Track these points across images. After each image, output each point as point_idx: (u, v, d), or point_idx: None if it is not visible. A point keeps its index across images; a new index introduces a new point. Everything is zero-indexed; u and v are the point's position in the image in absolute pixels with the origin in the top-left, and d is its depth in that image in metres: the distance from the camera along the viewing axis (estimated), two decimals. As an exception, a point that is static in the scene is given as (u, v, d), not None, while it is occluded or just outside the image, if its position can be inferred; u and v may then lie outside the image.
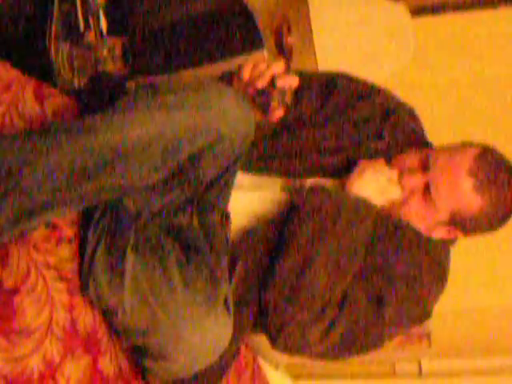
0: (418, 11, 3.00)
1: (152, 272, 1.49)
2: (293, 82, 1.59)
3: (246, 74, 1.60)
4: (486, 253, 3.33)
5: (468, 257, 3.32)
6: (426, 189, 1.70)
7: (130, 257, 1.49)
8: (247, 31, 2.24)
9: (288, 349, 1.73)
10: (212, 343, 1.51)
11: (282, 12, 2.74)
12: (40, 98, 1.69)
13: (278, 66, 1.59)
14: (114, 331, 1.57)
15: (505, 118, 3.14)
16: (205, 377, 1.66)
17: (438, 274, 1.78)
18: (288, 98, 1.58)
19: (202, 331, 1.48)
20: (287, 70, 1.63)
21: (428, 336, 3.45)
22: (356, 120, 1.81)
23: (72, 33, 2.11)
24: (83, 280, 1.52)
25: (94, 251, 1.52)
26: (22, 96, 1.65)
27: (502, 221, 1.74)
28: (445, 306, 3.38)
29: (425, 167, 1.70)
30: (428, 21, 3.07)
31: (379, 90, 1.88)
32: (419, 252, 1.75)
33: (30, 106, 1.65)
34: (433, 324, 3.45)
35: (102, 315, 1.55)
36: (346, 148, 1.79)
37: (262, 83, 1.57)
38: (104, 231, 1.54)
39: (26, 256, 1.42)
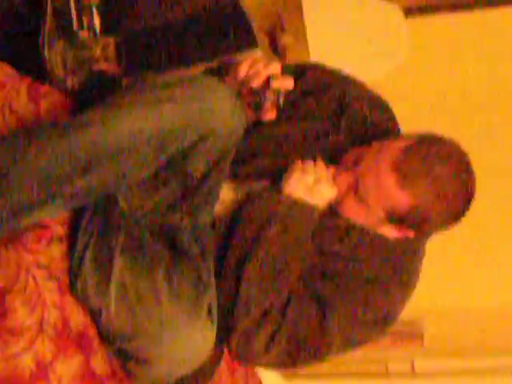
0: (411, 11, 3.01)
1: (138, 278, 1.48)
2: (288, 83, 1.59)
3: (242, 71, 1.59)
4: (479, 252, 3.34)
5: (461, 256, 3.33)
6: (355, 184, 1.63)
7: (118, 260, 1.49)
8: (241, 31, 2.23)
9: (240, 358, 1.70)
10: (194, 350, 1.51)
11: (276, 12, 2.74)
12: (34, 97, 1.69)
13: (275, 67, 1.58)
14: (100, 333, 1.57)
15: (500, 117, 3.14)
16: (187, 383, 1.66)
17: (399, 277, 1.70)
18: (282, 100, 1.57)
19: (185, 338, 1.48)
20: (283, 71, 1.61)
21: (421, 335, 3.46)
22: (313, 112, 1.76)
23: (65, 31, 2.10)
24: (71, 280, 1.52)
25: (84, 251, 1.52)
26: (16, 94, 1.65)
27: (451, 214, 1.62)
28: (438, 305, 3.40)
29: (355, 163, 1.64)
30: (422, 21, 3.07)
31: (346, 82, 1.82)
32: (374, 255, 1.69)
33: (24, 104, 1.65)
34: (426, 323, 3.46)
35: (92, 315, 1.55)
36: (303, 145, 1.73)
37: (257, 83, 1.57)
38: (94, 231, 1.53)
39: (17, 256, 1.41)
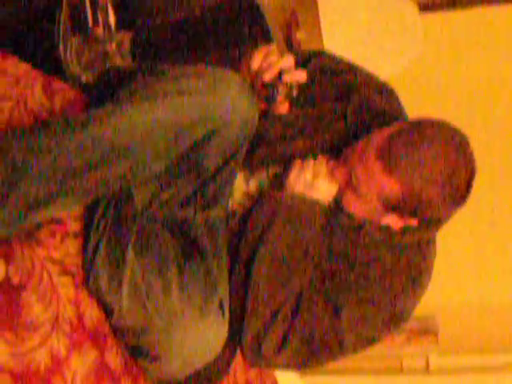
0: (426, 7, 3.00)
1: (150, 274, 1.49)
2: (300, 77, 1.58)
3: (255, 64, 1.57)
4: (495, 248, 3.32)
5: (476, 252, 3.32)
6: (349, 177, 1.61)
7: (131, 256, 1.49)
8: (256, 26, 2.23)
9: (252, 360, 1.70)
10: (205, 346, 1.51)
11: (291, 7, 2.74)
12: (49, 93, 1.69)
13: (288, 60, 1.57)
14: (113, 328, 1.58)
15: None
16: (199, 380, 1.66)
17: (410, 275, 1.69)
18: (294, 93, 1.57)
19: (195, 334, 1.48)
20: (296, 64, 1.60)
21: (436, 332, 3.45)
22: (320, 98, 1.74)
23: (81, 28, 2.11)
24: (86, 275, 1.52)
25: (97, 246, 1.52)
26: (30, 91, 1.65)
27: (448, 195, 1.56)
28: (452, 302, 3.39)
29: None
30: (437, 17, 3.06)
31: (352, 68, 1.80)
32: (384, 254, 1.68)
33: (39, 100, 1.65)
34: (441, 320, 3.45)
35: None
36: (310, 132, 1.71)
37: (269, 76, 1.55)
38: (107, 227, 1.54)
39: (31, 251, 1.42)
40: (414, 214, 1.62)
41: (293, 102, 1.60)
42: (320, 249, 1.67)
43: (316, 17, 2.65)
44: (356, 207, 1.65)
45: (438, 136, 1.55)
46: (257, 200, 1.67)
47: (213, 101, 1.40)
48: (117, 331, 1.56)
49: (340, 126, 1.72)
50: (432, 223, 1.69)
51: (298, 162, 1.67)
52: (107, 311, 1.53)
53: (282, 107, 1.59)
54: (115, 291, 1.48)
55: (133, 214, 1.54)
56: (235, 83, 1.44)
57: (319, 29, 2.64)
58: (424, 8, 2.94)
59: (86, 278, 1.52)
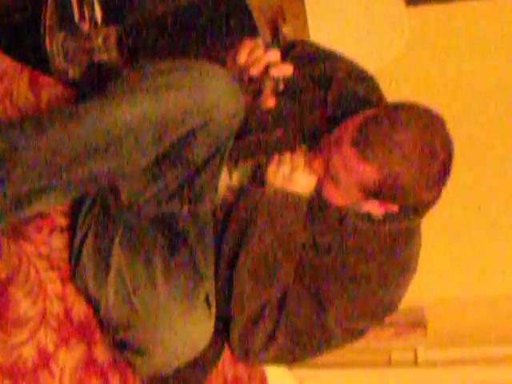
0: (413, 0, 3.00)
1: (136, 268, 1.49)
2: (287, 71, 1.58)
3: (241, 58, 1.56)
4: (482, 242, 3.34)
5: (464, 245, 3.33)
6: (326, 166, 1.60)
7: (117, 251, 1.50)
8: (242, 21, 2.23)
9: (240, 356, 1.69)
10: (191, 340, 1.51)
11: (278, 2, 2.74)
12: (35, 88, 1.69)
13: (274, 55, 1.56)
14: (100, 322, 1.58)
15: (499, 108, 3.14)
16: (186, 374, 1.66)
17: (396, 264, 1.68)
18: (281, 87, 1.57)
19: (181, 328, 1.49)
20: (282, 58, 1.60)
21: (424, 325, 3.46)
22: (301, 86, 1.73)
23: (67, 22, 2.10)
24: (72, 269, 1.52)
25: (83, 241, 1.52)
26: (16, 86, 1.65)
27: (426, 180, 1.54)
28: (441, 295, 3.40)
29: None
30: (423, 10, 3.06)
31: (333, 56, 1.80)
32: (369, 245, 1.67)
33: (25, 95, 1.65)
34: (429, 313, 3.47)
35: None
36: (290, 121, 1.70)
37: (256, 71, 1.55)
38: (93, 222, 1.54)
39: (18, 246, 1.42)
40: (393, 199, 1.60)
41: (279, 96, 1.59)
42: (304, 242, 1.67)
43: (302, 11, 2.65)
44: (336, 197, 1.63)
45: (413, 119, 1.53)
46: (238, 195, 1.66)
47: (199, 95, 1.40)
48: (104, 325, 1.56)
49: (321, 115, 1.71)
50: (414, 209, 1.68)
51: (275, 156, 1.66)
52: (94, 306, 1.54)
53: (269, 101, 1.59)
54: (101, 285, 1.49)
55: (119, 209, 1.54)
56: (222, 77, 1.44)
57: (306, 23, 2.64)
58: (410, 1, 2.95)
59: (73, 273, 1.52)
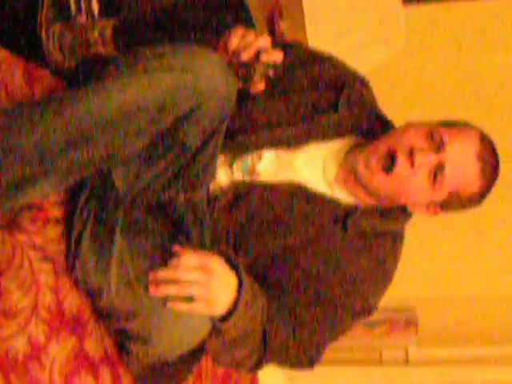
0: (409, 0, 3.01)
1: (137, 256, 1.49)
2: (277, 57, 1.58)
3: (233, 43, 1.58)
4: (473, 242, 3.35)
5: (456, 245, 3.34)
6: (439, 168, 1.60)
7: (118, 239, 1.50)
8: (238, 16, 2.23)
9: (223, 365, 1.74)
10: (194, 327, 1.51)
11: (275, -3, 2.74)
12: (29, 80, 1.68)
13: (265, 40, 1.57)
14: (99, 313, 1.58)
15: (496, 105, 3.15)
16: (172, 368, 1.67)
17: (372, 267, 1.70)
18: (271, 73, 1.58)
19: (184, 315, 1.48)
20: (273, 44, 1.61)
21: (415, 324, 3.47)
22: (304, 85, 1.75)
23: (63, 14, 2.10)
24: (69, 261, 1.52)
25: (81, 232, 1.52)
26: (10, 77, 1.64)
27: (476, 201, 1.68)
28: (432, 294, 3.40)
29: (438, 146, 1.61)
30: (420, 9, 3.07)
31: (330, 58, 1.81)
32: (348, 252, 1.68)
33: (19, 87, 1.64)
34: (420, 312, 3.48)
35: (87, 297, 1.55)
36: (296, 119, 1.71)
37: (247, 56, 1.56)
38: (91, 212, 1.54)
39: (11, 237, 1.41)
40: (448, 208, 1.68)
41: (269, 82, 1.60)
42: (294, 246, 1.67)
43: (300, 7, 2.65)
44: (415, 190, 1.63)
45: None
46: (239, 189, 1.66)
47: (191, 77, 1.41)
48: (104, 316, 1.56)
49: (330, 116, 1.72)
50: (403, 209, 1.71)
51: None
52: (94, 296, 1.53)
53: (259, 86, 1.60)
54: (103, 274, 1.48)
55: (116, 199, 1.54)
56: (213, 60, 1.45)
57: (303, 19, 2.64)
58: (407, 0, 2.95)
59: (71, 264, 1.52)
